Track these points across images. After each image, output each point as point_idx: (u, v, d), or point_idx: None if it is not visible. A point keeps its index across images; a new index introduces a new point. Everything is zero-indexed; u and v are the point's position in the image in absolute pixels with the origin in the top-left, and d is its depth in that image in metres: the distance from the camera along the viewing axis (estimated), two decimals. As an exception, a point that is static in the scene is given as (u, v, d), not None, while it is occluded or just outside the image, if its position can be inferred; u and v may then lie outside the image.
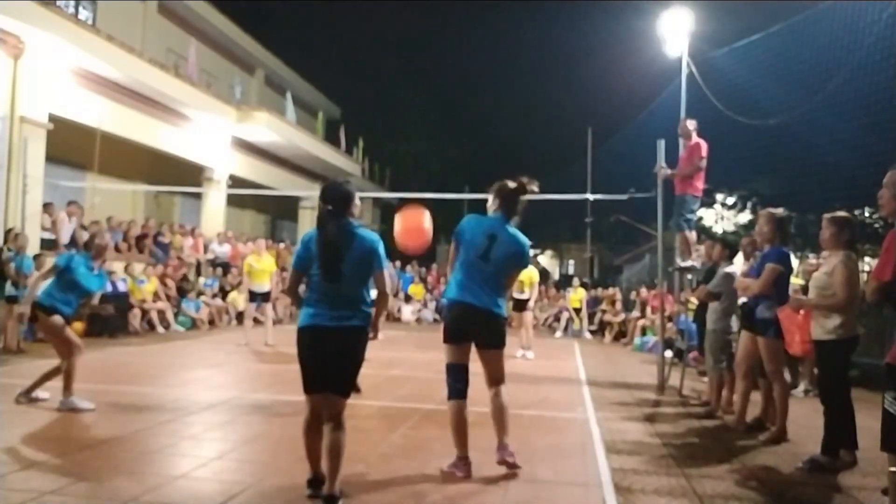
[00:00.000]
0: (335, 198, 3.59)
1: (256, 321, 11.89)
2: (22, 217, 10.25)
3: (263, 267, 10.58)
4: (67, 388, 5.61)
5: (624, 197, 9.34)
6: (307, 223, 23.38)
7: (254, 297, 10.74)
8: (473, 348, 4.27)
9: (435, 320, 16.76)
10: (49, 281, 5.85)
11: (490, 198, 4.39)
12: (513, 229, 4.30)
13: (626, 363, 10.71)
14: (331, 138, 23.85)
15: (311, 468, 3.67)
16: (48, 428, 5.21)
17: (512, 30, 43.36)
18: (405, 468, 4.33)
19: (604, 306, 15.65)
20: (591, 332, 15.30)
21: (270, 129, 17.73)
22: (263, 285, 10.56)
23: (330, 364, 3.50)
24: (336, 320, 3.50)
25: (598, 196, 11.11)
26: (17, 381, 5.87)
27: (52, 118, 11.29)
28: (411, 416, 5.93)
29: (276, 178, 20.26)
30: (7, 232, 9.30)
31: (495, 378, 4.29)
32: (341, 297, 3.54)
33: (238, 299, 13.78)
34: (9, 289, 8.88)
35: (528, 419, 5.92)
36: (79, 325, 9.85)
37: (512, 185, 4.32)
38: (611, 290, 16.51)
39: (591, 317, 15.67)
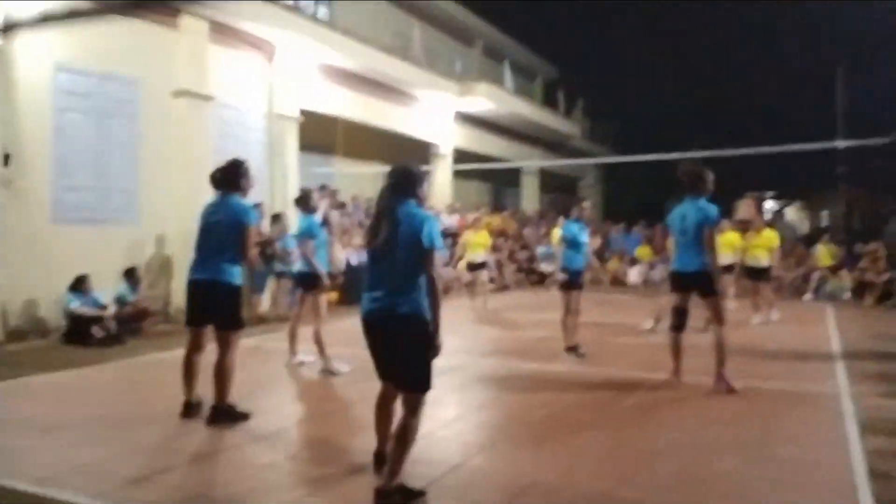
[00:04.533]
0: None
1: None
2: (284, 201, 11.74)
3: (479, 240, 11.58)
4: (322, 353, 6.43)
5: (885, 141, 8.14)
6: (530, 189, 23.72)
7: (472, 266, 11.61)
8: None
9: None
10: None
11: None
12: None
13: (890, 330, 9.44)
14: (549, 101, 23.76)
15: None
16: (310, 388, 6.07)
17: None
18: (634, 435, 4.36)
19: (863, 264, 13.82)
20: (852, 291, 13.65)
21: (490, 100, 18.17)
22: (478, 255, 11.48)
23: (382, 353, 3.40)
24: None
25: (850, 142, 9.73)
26: (286, 346, 6.84)
27: (302, 111, 12.70)
28: (642, 384, 5.88)
29: (497, 147, 20.77)
30: (273, 217, 10.73)
31: None
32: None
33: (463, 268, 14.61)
34: (277, 266, 10.30)
35: (770, 393, 5.56)
36: (334, 295, 11.13)
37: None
38: (872, 246, 14.45)
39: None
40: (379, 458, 3.59)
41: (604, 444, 4.25)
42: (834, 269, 14.30)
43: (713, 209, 5.59)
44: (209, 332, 4.81)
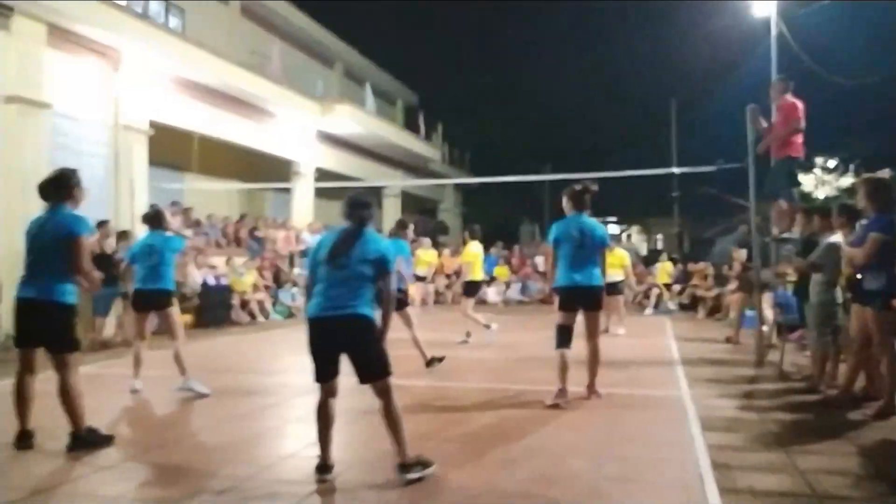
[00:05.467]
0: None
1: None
2: (131, 219, 10.99)
3: None
4: (183, 371, 6.06)
5: (712, 168, 9.02)
6: (391, 211, 23.83)
7: None
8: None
9: (520, 302, 17.23)
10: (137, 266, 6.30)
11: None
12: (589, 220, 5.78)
13: (720, 339, 10.40)
14: (410, 125, 24.15)
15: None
16: (160, 414, 5.67)
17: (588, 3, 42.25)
18: (494, 446, 4.46)
19: (695, 281, 15.25)
20: (681, 305, 15.05)
21: (352, 120, 18.18)
22: None
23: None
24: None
25: (685, 169, 10.69)
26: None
27: (153, 124, 11.99)
28: (503, 395, 6.04)
29: (359, 168, 20.75)
30: (119, 234, 9.99)
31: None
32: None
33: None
34: (123, 286, 9.58)
35: (619, 398, 5.92)
36: (188, 317, 10.52)
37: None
38: (700, 265, 16.01)
39: (682, 292, 15.39)
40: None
41: (470, 453, 4.32)
42: (669, 286, 15.67)
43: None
44: (42, 354, 4.41)
